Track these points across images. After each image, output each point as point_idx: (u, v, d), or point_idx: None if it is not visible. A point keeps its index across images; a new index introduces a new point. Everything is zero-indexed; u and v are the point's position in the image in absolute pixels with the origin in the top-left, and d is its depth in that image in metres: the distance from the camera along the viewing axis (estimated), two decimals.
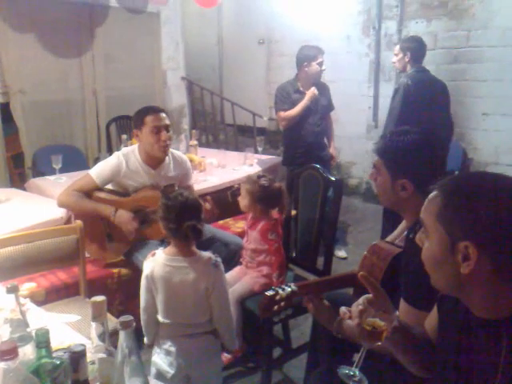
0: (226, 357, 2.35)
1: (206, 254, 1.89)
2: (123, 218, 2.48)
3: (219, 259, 1.90)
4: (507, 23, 4.27)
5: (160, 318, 1.87)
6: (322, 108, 3.88)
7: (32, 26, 4.56)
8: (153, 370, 1.91)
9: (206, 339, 1.90)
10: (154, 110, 2.59)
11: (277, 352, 2.63)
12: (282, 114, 3.83)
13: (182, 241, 1.84)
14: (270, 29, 6.21)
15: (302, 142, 3.83)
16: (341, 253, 3.99)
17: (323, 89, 3.90)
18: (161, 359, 1.88)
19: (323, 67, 3.76)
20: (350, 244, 4.24)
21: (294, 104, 3.78)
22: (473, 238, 0.94)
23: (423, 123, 3.38)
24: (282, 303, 1.49)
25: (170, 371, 1.85)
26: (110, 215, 2.48)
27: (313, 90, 3.74)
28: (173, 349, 1.85)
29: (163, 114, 2.59)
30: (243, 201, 2.40)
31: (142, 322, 1.90)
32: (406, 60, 3.64)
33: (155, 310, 1.88)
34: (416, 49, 3.65)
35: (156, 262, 1.86)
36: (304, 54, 3.75)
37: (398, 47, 3.78)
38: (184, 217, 1.81)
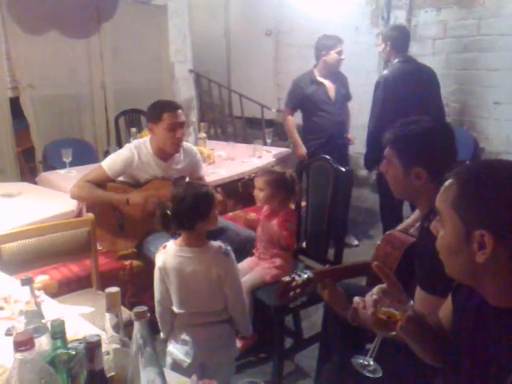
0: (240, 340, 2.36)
1: (216, 243, 1.91)
2: (137, 198, 2.50)
3: (229, 248, 1.91)
4: None
5: (175, 308, 1.89)
6: (341, 97, 3.90)
7: (40, 20, 4.56)
8: (168, 360, 1.93)
9: (222, 328, 1.92)
10: (172, 107, 2.57)
11: (288, 342, 2.64)
12: (287, 114, 3.95)
13: (190, 232, 1.86)
14: (277, 20, 6.17)
15: (323, 132, 3.84)
16: (351, 240, 4.02)
17: (342, 79, 3.95)
18: (177, 349, 1.90)
19: (342, 56, 3.76)
20: (360, 235, 4.23)
21: (308, 98, 3.81)
22: (489, 227, 0.93)
23: (409, 115, 3.23)
24: (298, 290, 1.50)
25: (187, 360, 1.87)
26: (123, 202, 2.50)
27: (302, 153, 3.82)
28: (188, 338, 1.87)
29: (180, 111, 2.58)
30: (261, 193, 2.39)
31: (157, 315, 1.91)
32: (388, 50, 3.47)
33: (170, 301, 1.90)
34: (396, 37, 3.43)
35: (167, 253, 1.87)
36: (322, 44, 3.76)
37: (380, 37, 3.65)
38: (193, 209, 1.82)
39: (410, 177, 1.53)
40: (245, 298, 2.19)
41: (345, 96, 3.96)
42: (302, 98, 3.84)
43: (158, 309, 1.92)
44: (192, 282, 1.85)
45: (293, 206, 2.49)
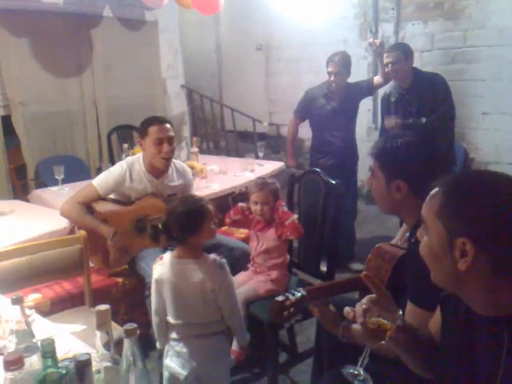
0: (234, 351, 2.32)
1: (211, 255, 1.93)
2: (118, 245, 2.52)
3: (224, 260, 1.93)
4: (503, 22, 4.29)
5: (171, 319, 1.91)
6: (345, 113, 3.76)
7: (31, 38, 4.58)
8: (165, 375, 1.94)
9: (217, 339, 1.94)
10: (159, 121, 2.59)
11: (283, 357, 2.63)
12: (293, 120, 3.95)
13: (184, 244, 1.88)
14: (267, 35, 6.24)
15: (329, 145, 3.77)
16: (356, 266, 3.80)
17: (353, 92, 3.77)
18: (173, 362, 1.91)
19: (332, 77, 3.63)
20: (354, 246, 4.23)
21: (317, 109, 3.75)
22: (470, 235, 0.95)
23: None
24: (292, 309, 1.50)
25: (183, 373, 1.88)
26: (108, 238, 2.50)
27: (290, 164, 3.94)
28: (184, 350, 1.89)
29: (168, 126, 2.58)
30: (266, 207, 2.39)
31: (154, 325, 1.95)
32: None
33: (165, 312, 1.93)
34: None
35: (164, 265, 1.91)
36: None
37: None
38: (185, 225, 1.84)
39: (392, 189, 1.55)
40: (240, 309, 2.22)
41: (346, 110, 3.76)
42: (310, 109, 3.80)
43: (154, 319, 1.95)
44: (187, 293, 1.87)
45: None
